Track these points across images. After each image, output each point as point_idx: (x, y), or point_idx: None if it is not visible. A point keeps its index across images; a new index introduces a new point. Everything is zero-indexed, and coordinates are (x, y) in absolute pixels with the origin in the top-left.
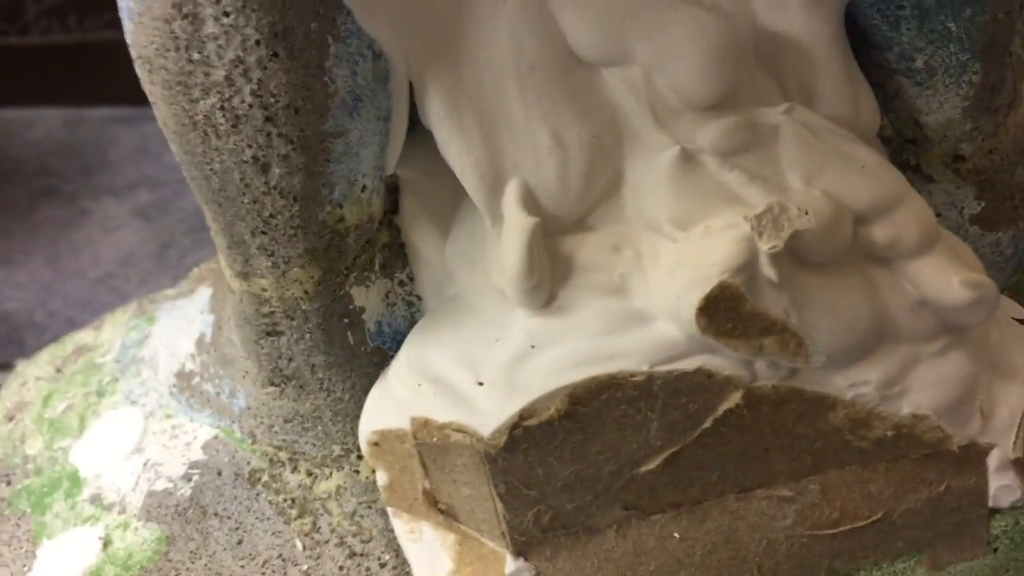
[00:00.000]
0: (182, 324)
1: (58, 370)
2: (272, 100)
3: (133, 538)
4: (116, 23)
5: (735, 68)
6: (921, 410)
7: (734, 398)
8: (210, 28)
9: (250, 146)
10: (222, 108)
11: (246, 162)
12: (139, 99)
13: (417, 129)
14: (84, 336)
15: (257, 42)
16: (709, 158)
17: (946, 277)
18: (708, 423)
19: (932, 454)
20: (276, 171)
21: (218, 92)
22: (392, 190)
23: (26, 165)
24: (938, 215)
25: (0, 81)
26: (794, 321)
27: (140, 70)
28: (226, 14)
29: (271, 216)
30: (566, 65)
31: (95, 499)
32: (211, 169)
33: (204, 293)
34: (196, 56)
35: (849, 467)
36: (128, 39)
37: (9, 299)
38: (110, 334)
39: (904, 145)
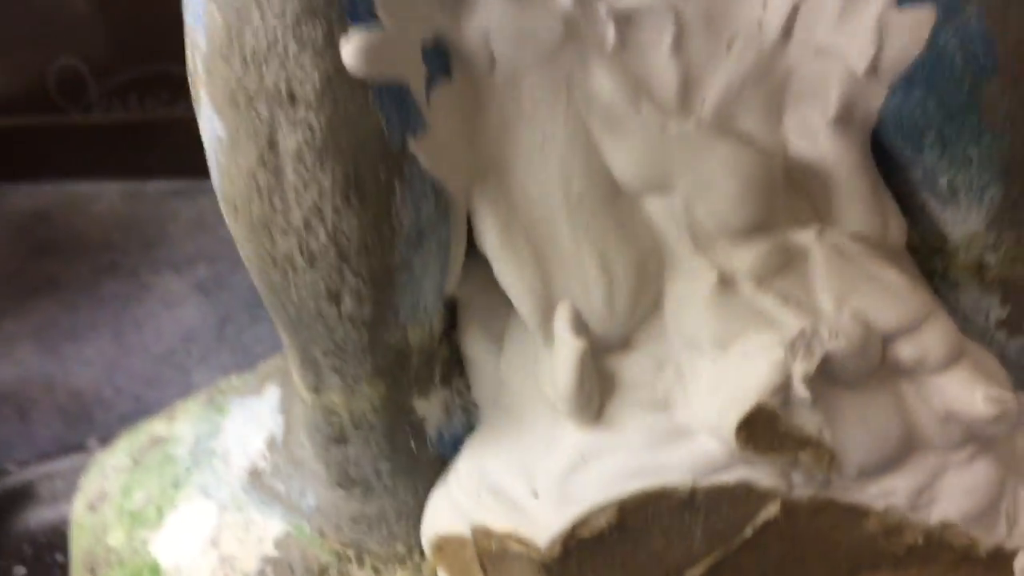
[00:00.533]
0: (253, 423)
1: (135, 461)
2: (345, 240)
3: None
4: (173, 102)
5: (769, 198)
6: (949, 518)
7: (772, 508)
8: (290, 178)
9: (324, 281)
10: (300, 248)
11: (320, 295)
12: (195, 173)
13: (472, 249)
14: (159, 427)
15: (332, 189)
16: (745, 282)
17: (970, 391)
18: (748, 532)
19: (961, 558)
20: (347, 302)
21: (296, 234)
22: (450, 307)
23: (90, 239)
24: (965, 320)
25: (64, 156)
26: (828, 436)
27: (227, 213)
28: (305, 166)
29: (342, 340)
30: (611, 194)
31: None
32: (289, 300)
33: (273, 393)
34: (278, 203)
35: (883, 571)
36: (216, 186)
37: (79, 376)
38: (183, 425)
39: (930, 254)
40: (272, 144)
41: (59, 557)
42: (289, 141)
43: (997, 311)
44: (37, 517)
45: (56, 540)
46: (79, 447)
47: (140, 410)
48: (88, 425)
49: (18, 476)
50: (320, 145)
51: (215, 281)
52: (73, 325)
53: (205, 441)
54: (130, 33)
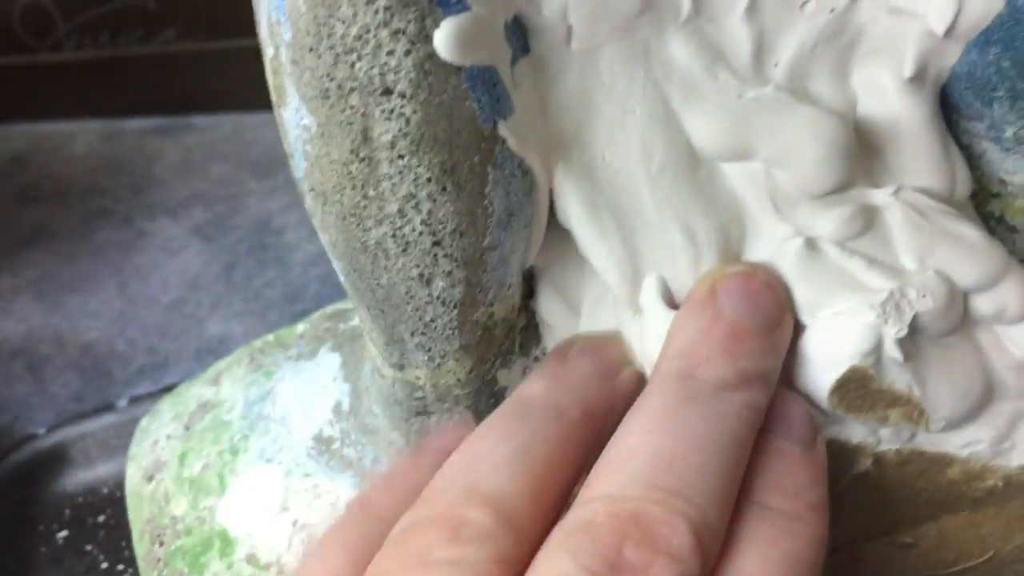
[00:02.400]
0: (313, 389)
1: (187, 427)
2: (440, 227)
3: None
4: (148, 38)
5: (850, 160)
6: None
7: (865, 462)
8: (385, 169)
9: (417, 266)
10: (393, 236)
11: (412, 278)
12: (175, 110)
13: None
14: (205, 392)
15: (428, 179)
16: (829, 246)
17: None
18: (842, 485)
19: None
20: (439, 284)
21: (390, 222)
22: (527, 277)
23: (74, 183)
24: (1021, 261)
25: (35, 97)
26: (917, 394)
27: (313, 202)
28: (400, 156)
29: (431, 320)
30: (691, 163)
31: (251, 559)
32: (377, 284)
33: (331, 359)
34: (371, 193)
35: (962, 513)
36: (301, 176)
37: (88, 329)
38: (231, 390)
39: (989, 198)
40: (366, 136)
41: (100, 518)
42: (384, 132)
43: None
44: (73, 480)
45: (94, 501)
46: (108, 408)
47: (158, 363)
48: (107, 380)
49: (48, 439)
50: (416, 135)
51: (214, 225)
52: (73, 276)
53: (256, 405)
54: None
